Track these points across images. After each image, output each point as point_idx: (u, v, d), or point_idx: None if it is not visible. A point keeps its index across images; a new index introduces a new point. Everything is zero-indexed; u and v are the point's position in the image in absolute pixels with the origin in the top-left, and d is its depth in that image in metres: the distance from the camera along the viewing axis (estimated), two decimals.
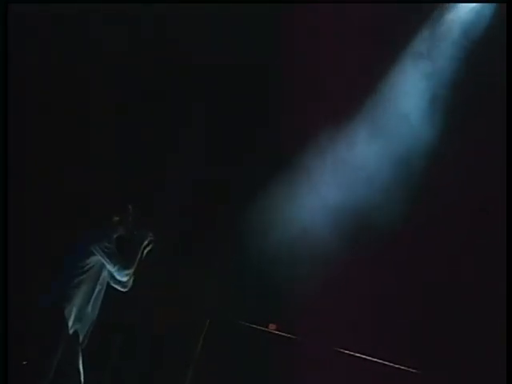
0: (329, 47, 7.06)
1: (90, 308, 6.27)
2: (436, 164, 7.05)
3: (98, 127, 7.26)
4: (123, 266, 6.26)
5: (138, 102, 7.29)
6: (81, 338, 6.31)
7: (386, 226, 7.06)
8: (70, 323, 6.24)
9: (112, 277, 6.36)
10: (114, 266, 6.23)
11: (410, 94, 7.29)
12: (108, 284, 6.37)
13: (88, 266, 6.22)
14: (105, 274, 6.31)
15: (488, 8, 6.96)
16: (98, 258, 6.23)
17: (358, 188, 7.31)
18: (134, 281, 6.37)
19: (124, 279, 6.32)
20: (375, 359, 7.24)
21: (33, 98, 7.05)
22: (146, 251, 6.44)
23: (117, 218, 6.36)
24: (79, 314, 6.24)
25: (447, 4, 7.16)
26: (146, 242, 6.40)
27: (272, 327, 8.06)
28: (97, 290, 6.30)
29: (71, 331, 6.24)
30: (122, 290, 6.43)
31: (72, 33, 7.05)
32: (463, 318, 6.81)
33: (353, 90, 7.20)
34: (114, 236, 6.34)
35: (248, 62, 7.25)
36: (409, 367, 7.07)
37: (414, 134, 7.18)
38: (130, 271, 6.29)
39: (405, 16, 7.07)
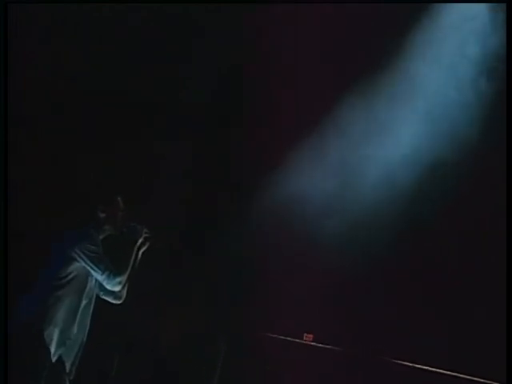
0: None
1: (75, 328, 5.13)
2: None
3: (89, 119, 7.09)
4: (113, 272, 5.14)
5: (134, 96, 7.21)
6: (67, 367, 5.15)
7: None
8: (53, 349, 5.04)
9: (101, 287, 5.27)
10: (103, 273, 5.11)
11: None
12: (97, 296, 5.31)
13: (70, 276, 5.09)
14: (91, 284, 5.21)
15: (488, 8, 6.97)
16: (81, 265, 5.11)
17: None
18: (128, 290, 5.30)
19: (116, 289, 5.20)
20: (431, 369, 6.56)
21: (33, 98, 7.03)
22: (140, 252, 5.36)
23: (103, 214, 5.25)
24: (63, 337, 5.09)
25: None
26: (140, 241, 5.33)
27: (308, 338, 7.14)
28: (83, 304, 5.17)
29: (54, 359, 5.06)
30: (115, 302, 5.36)
31: (72, 33, 7.05)
32: (463, 319, 6.80)
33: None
34: (100, 236, 5.26)
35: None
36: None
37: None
38: (123, 278, 5.18)
39: (400, 13, 7.07)
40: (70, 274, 5.11)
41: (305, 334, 7.17)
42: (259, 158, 7.36)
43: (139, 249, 5.36)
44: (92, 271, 5.14)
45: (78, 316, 5.15)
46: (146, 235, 5.39)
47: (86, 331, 5.25)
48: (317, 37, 7.11)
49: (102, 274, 5.14)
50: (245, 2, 7.13)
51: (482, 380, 6.49)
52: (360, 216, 7.20)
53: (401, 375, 6.78)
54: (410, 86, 7.18)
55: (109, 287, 5.21)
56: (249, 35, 7.16)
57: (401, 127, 7.15)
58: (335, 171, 7.36)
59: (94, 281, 5.22)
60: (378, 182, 7.17)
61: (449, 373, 6.63)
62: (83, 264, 5.12)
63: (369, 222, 7.19)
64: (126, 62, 7.14)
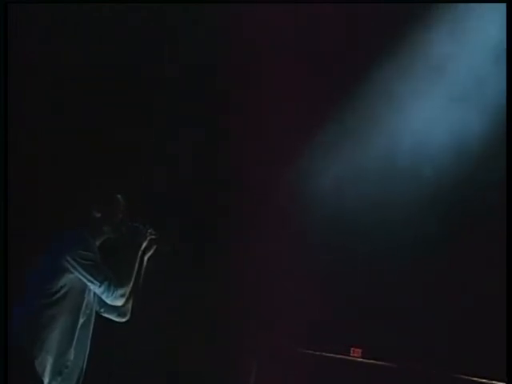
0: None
1: (72, 354, 4.34)
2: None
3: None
4: (114, 283, 4.33)
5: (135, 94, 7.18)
6: None
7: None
8: (46, 380, 4.26)
9: (101, 302, 4.49)
10: (101, 284, 4.30)
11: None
12: (97, 314, 4.56)
13: (62, 291, 4.28)
14: (89, 299, 4.44)
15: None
16: (75, 277, 4.31)
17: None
18: (133, 305, 4.54)
19: (118, 303, 4.41)
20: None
21: (33, 98, 7.02)
22: (146, 258, 4.60)
23: (98, 214, 4.50)
24: (58, 365, 4.30)
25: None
26: (144, 244, 4.56)
27: (356, 353, 6.26)
28: (80, 324, 4.38)
29: None
30: (119, 320, 4.59)
31: (72, 33, 7.04)
32: (463, 319, 6.78)
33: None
34: (97, 240, 4.50)
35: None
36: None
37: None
38: (126, 290, 4.38)
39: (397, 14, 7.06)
40: (62, 288, 4.30)
41: (352, 349, 6.34)
42: (268, 156, 7.31)
43: (144, 254, 4.59)
44: (89, 283, 4.33)
45: (75, 339, 4.35)
46: (152, 237, 4.60)
47: (86, 357, 4.47)
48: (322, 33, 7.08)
49: (100, 286, 4.31)
50: (245, 2, 7.14)
51: None
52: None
53: None
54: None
55: (110, 302, 4.39)
56: (249, 34, 7.16)
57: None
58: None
59: (92, 295, 4.44)
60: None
61: None
62: (77, 275, 4.31)
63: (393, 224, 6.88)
64: (126, 62, 7.14)
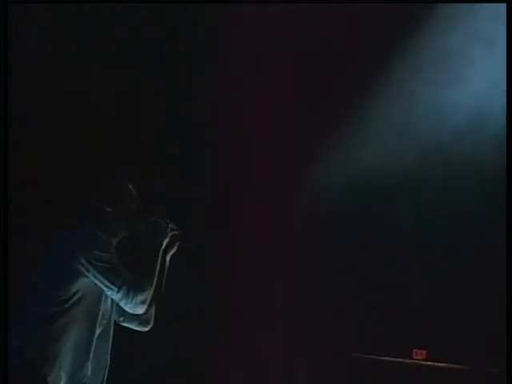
0: None
1: (89, 368, 3.82)
2: None
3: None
4: (134, 288, 3.79)
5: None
6: None
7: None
8: None
9: (119, 311, 3.98)
10: (119, 290, 3.76)
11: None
12: (115, 323, 4.06)
13: (75, 298, 3.75)
14: (106, 306, 3.93)
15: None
16: (89, 281, 3.78)
17: None
18: (157, 312, 4.02)
19: (139, 310, 3.86)
20: None
21: (33, 98, 7.02)
22: (168, 257, 4.06)
23: (109, 208, 3.95)
24: (73, 382, 3.79)
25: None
26: (165, 242, 3.99)
27: (420, 355, 5.69)
28: (96, 335, 3.86)
29: None
30: (141, 329, 4.07)
31: (72, 33, 7.04)
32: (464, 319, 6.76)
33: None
34: (112, 239, 3.97)
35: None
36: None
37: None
38: (147, 296, 3.82)
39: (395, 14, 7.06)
40: (75, 294, 3.77)
41: (414, 351, 5.83)
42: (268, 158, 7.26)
43: (166, 253, 4.05)
44: (105, 288, 3.79)
45: (92, 352, 3.83)
46: (174, 233, 4.05)
47: (106, 372, 3.95)
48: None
49: (118, 292, 3.77)
50: (245, 2, 7.13)
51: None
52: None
53: None
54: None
55: (129, 309, 3.86)
56: (250, 33, 7.16)
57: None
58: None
59: (109, 302, 3.92)
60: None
61: None
62: (92, 279, 3.77)
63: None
64: (126, 62, 7.14)
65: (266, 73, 7.24)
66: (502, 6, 6.60)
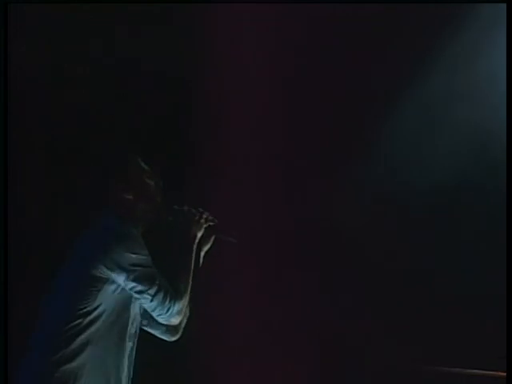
0: None
1: None
2: None
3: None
4: (172, 295, 3.11)
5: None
6: None
7: None
8: None
9: (144, 313, 3.30)
10: (153, 298, 3.09)
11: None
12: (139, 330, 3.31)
13: (100, 309, 3.05)
14: (135, 314, 3.22)
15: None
16: (116, 288, 3.12)
17: None
18: (189, 319, 3.30)
19: (174, 321, 3.20)
20: None
21: (33, 98, 7.04)
22: (203, 253, 3.38)
23: (129, 196, 3.26)
24: None
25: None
26: (199, 235, 3.29)
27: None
28: (128, 350, 3.18)
29: None
30: (167, 338, 3.42)
31: (72, 33, 7.05)
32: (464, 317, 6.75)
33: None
34: (141, 234, 3.21)
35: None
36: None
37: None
38: (184, 303, 3.17)
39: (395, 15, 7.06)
40: (99, 306, 3.06)
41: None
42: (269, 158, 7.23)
43: (200, 248, 3.35)
44: (137, 295, 3.11)
45: (125, 370, 3.15)
46: (210, 223, 3.36)
47: None
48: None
49: (152, 301, 3.09)
50: (245, 2, 7.14)
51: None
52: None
53: None
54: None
55: (163, 320, 3.20)
56: (249, 34, 7.16)
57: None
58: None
59: (137, 309, 3.22)
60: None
61: None
62: (123, 286, 3.07)
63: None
64: (126, 62, 7.15)
65: (265, 73, 7.25)
66: (502, 6, 6.62)
